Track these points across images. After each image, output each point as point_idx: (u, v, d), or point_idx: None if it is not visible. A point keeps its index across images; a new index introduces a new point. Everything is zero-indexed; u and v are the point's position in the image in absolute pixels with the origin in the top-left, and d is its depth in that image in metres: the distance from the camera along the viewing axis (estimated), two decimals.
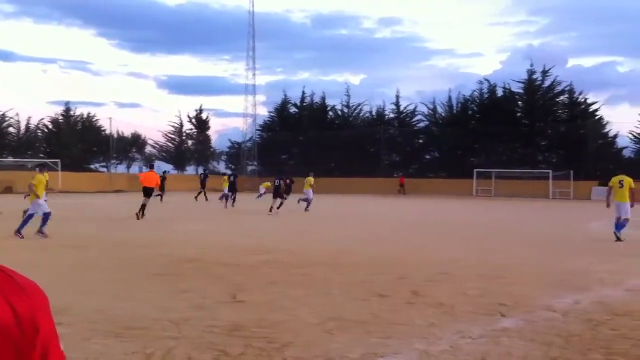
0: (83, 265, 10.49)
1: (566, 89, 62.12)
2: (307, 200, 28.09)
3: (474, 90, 65.78)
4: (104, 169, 68.53)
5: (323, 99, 72.74)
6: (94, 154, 69.15)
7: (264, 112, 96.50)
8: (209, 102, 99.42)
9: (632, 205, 16.57)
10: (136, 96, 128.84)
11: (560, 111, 62.70)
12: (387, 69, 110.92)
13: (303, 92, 73.42)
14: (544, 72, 62.37)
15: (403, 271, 10.08)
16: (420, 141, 68.68)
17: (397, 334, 6.03)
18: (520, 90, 63.54)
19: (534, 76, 62.63)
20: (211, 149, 77.73)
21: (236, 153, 73.45)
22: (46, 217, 15.04)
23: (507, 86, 63.93)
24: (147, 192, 22.54)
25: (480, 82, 65.55)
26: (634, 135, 59.66)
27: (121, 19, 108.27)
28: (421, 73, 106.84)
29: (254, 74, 69.70)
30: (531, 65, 62.96)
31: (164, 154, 75.14)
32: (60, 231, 15.77)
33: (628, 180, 16.54)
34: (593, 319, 6.78)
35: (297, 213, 25.80)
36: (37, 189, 15.33)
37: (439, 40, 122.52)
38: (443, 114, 66.98)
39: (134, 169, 71.64)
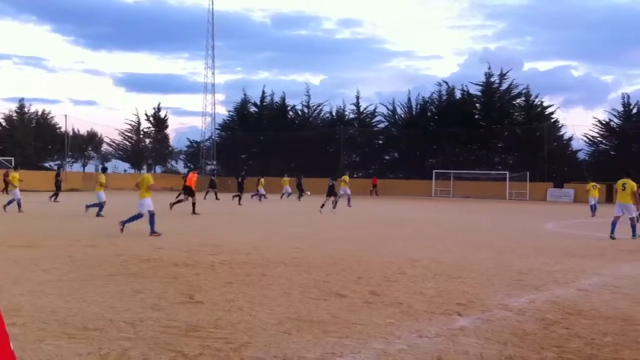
0: (35, 265, 10.24)
1: (522, 92, 63.37)
2: (347, 196, 32.40)
3: (433, 92, 66.63)
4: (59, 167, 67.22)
5: (283, 99, 72.74)
6: (48, 152, 67.77)
7: (223, 112, 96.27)
8: (167, 101, 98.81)
9: (637, 209, 17.50)
10: (92, 94, 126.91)
11: (516, 114, 63.86)
12: (347, 70, 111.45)
13: (263, 92, 73.30)
14: (501, 75, 63.47)
15: (361, 271, 10.11)
16: (380, 142, 69.18)
17: (355, 334, 6.04)
18: (478, 93, 64.54)
19: (492, 79, 63.67)
20: (169, 148, 76.92)
21: (195, 152, 72.83)
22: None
23: (465, 89, 64.88)
24: (189, 191, 25.46)
25: (439, 84, 66.41)
26: (588, 138, 61.10)
27: (78, 15, 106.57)
28: (381, 74, 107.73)
29: (213, 73, 69.28)
30: (489, 68, 64.05)
31: (120, 152, 74.08)
32: (11, 230, 15.39)
33: (631, 184, 17.46)
34: (547, 318, 6.89)
35: (257, 212, 25.62)
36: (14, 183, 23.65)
37: (398, 43, 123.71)
38: (402, 115, 67.59)
39: (90, 167, 70.53)
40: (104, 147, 74.04)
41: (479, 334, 6.11)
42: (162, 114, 75.59)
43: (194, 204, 24.51)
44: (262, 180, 40.67)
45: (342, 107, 70.97)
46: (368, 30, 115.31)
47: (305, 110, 72.10)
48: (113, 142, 73.81)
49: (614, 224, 17.07)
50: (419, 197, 49.87)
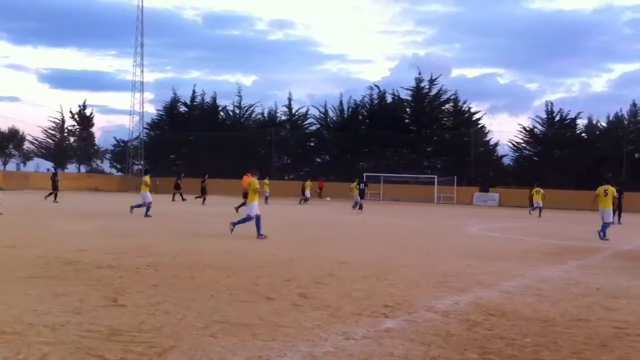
0: None
1: (451, 97, 64.84)
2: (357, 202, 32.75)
3: (365, 96, 67.33)
4: None
5: (214, 99, 72.01)
6: None
7: (152, 110, 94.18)
8: (94, 98, 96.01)
9: (614, 211, 19.09)
10: (15, 90, 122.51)
11: (445, 119, 65.28)
12: (279, 71, 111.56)
13: (194, 91, 72.40)
14: (431, 81, 64.76)
15: (291, 273, 10.08)
16: (312, 144, 69.37)
17: (282, 337, 6.01)
18: (409, 98, 65.63)
19: (422, 84, 64.84)
20: (95, 147, 74.91)
21: (122, 151, 71.10)
22: None
23: (396, 93, 65.85)
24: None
25: (371, 88, 67.20)
26: (513, 144, 63.00)
27: (1, 8, 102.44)
28: (313, 77, 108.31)
29: (142, 71, 67.83)
30: (419, 73, 65.22)
31: (43, 150, 71.67)
32: None
33: (612, 190, 18.93)
34: (470, 319, 7.04)
35: (183, 215, 25.26)
36: None
37: (331, 46, 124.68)
38: (334, 118, 67.98)
39: (11, 165, 68.00)
40: (26, 145, 71.55)
41: (404, 336, 6.18)
42: (87, 111, 73.77)
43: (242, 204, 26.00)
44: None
45: (274, 109, 70.94)
46: (301, 32, 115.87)
47: (237, 110, 71.68)
48: (36, 139, 71.44)
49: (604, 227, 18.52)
50: (350, 199, 50.13)
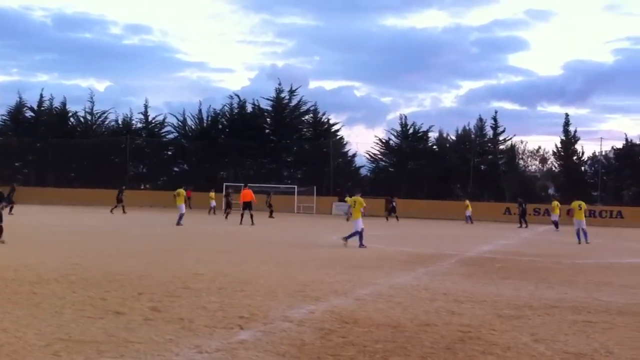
0: None
1: (311, 108, 65.81)
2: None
3: (225, 105, 66.69)
4: None
5: (64, 104, 68.15)
6: None
7: None
8: None
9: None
10: None
11: (305, 129, 66.14)
12: (134, 77, 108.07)
13: (41, 96, 68.13)
14: (291, 92, 65.41)
15: (143, 287, 9.71)
16: (169, 153, 67.68)
17: (132, 353, 5.75)
18: (269, 108, 65.90)
19: (282, 95, 65.40)
20: None
21: None
22: None
23: (256, 103, 65.92)
24: (247, 205, 30.20)
25: (231, 97, 66.69)
26: (370, 155, 65.05)
27: None
28: (170, 84, 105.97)
29: None
30: (279, 84, 65.67)
31: None
32: None
33: (584, 205, 23.83)
34: (325, 327, 7.11)
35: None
36: None
37: (190, 53, 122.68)
38: (193, 127, 66.86)
39: None
40: None
41: (259, 347, 6.12)
42: None
43: (251, 215, 29.40)
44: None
45: (129, 116, 68.39)
46: (158, 38, 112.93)
47: (89, 117, 68.46)
48: None
49: (577, 235, 23.30)
50: (207, 209, 49.49)
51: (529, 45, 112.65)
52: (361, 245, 18.49)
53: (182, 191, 28.83)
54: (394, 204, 42.66)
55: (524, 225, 36.97)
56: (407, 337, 6.82)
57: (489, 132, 62.91)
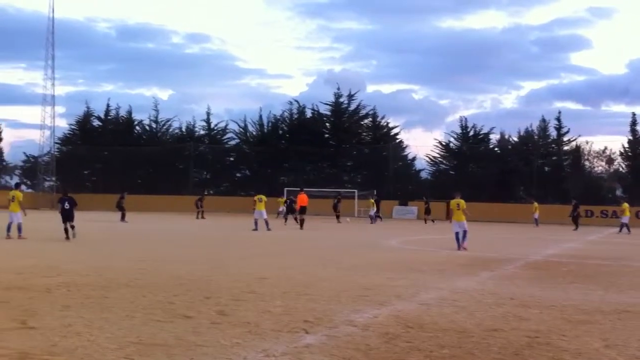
0: None
1: (370, 112, 65.77)
2: (372, 217, 41.00)
3: (284, 111, 67.39)
4: None
5: (129, 112, 70.24)
6: None
7: (63, 125, 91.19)
8: (1, 112, 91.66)
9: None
10: None
11: (364, 134, 66.15)
12: (196, 85, 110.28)
13: (108, 105, 70.38)
14: (350, 96, 65.55)
15: (209, 291, 9.89)
16: (231, 159, 68.77)
17: (200, 356, 5.86)
18: (328, 113, 66.17)
19: (341, 99, 65.55)
20: (3, 163, 71.68)
21: (32, 167, 68.26)
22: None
23: (315, 108, 66.28)
24: (303, 210, 31.51)
25: (290, 103, 67.38)
26: (430, 158, 64.47)
27: None
28: (231, 91, 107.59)
29: (52, 84, 65.24)
30: (338, 89, 65.89)
31: None
32: None
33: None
34: (390, 332, 7.08)
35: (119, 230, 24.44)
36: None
37: (249, 60, 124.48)
38: (254, 133, 67.70)
39: None
40: None
41: (324, 351, 6.15)
42: None
43: (302, 220, 30.58)
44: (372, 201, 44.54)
45: (192, 123, 69.90)
46: (217, 47, 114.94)
47: (153, 125, 70.20)
48: None
49: None
50: (270, 214, 49.99)
51: (591, 43, 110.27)
52: (460, 247, 18.94)
53: (262, 196, 28.82)
54: (428, 206, 42.74)
55: (575, 228, 36.16)
56: (474, 342, 6.73)
57: (553, 133, 61.62)
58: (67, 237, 19.83)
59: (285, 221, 36.04)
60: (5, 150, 72.67)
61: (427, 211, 42.66)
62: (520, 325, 7.69)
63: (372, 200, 44.70)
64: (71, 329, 6.92)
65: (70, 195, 21.35)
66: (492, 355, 6.22)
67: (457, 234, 19.40)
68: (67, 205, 20.39)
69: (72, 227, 20.18)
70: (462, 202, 19.76)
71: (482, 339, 6.90)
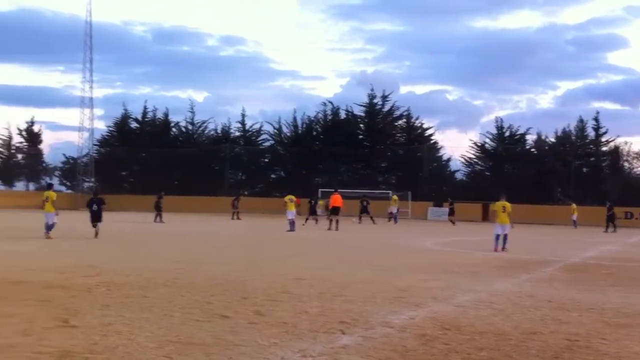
0: None
1: (404, 114, 65.46)
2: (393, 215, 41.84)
3: (318, 112, 67.46)
4: None
5: (166, 114, 71.08)
6: None
7: (101, 127, 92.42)
8: (41, 115, 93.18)
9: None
10: None
11: (398, 135, 65.86)
12: (231, 87, 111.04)
13: (145, 107, 71.30)
14: (384, 97, 65.35)
15: (246, 291, 9.98)
16: (266, 160, 69.10)
17: (238, 356, 5.93)
18: (362, 114, 66.07)
19: (374, 100, 65.39)
20: (43, 164, 73.13)
21: (71, 169, 69.52)
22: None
23: (349, 109, 66.24)
24: (336, 210, 30.85)
25: (324, 104, 67.41)
26: (465, 159, 63.90)
27: None
28: (265, 93, 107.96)
29: (91, 87, 66.30)
30: (372, 90, 65.74)
31: None
32: None
33: None
34: (427, 334, 7.07)
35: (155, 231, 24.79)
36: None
37: (282, 62, 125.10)
38: (288, 134, 67.92)
39: None
40: None
41: (361, 352, 6.17)
42: (35, 128, 72.07)
43: (337, 221, 29.90)
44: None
45: (228, 125, 70.41)
46: (251, 49, 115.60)
47: (190, 127, 70.94)
48: None
49: None
50: (305, 215, 50.15)
51: (629, 42, 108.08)
52: (503, 248, 18.99)
53: (292, 197, 29.44)
54: (452, 207, 42.41)
55: (610, 230, 35.59)
56: (512, 345, 6.68)
57: (591, 134, 60.54)
58: (96, 236, 20.78)
59: (305, 221, 34.78)
60: (45, 152, 74.20)
61: (451, 212, 42.14)
62: (559, 329, 7.60)
63: (395, 197, 44.25)
64: (111, 327, 7.05)
65: (100, 197, 22.47)
66: (531, 358, 6.16)
67: (497, 236, 19.18)
68: (94, 207, 21.56)
69: (95, 225, 21.30)
70: (508, 204, 19.50)
71: (521, 341, 6.84)
